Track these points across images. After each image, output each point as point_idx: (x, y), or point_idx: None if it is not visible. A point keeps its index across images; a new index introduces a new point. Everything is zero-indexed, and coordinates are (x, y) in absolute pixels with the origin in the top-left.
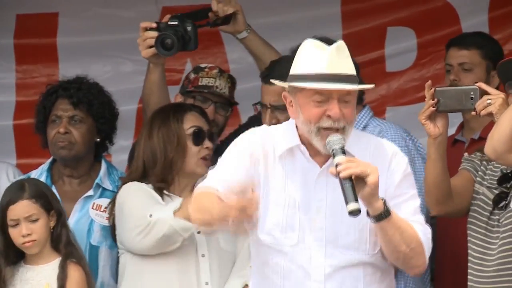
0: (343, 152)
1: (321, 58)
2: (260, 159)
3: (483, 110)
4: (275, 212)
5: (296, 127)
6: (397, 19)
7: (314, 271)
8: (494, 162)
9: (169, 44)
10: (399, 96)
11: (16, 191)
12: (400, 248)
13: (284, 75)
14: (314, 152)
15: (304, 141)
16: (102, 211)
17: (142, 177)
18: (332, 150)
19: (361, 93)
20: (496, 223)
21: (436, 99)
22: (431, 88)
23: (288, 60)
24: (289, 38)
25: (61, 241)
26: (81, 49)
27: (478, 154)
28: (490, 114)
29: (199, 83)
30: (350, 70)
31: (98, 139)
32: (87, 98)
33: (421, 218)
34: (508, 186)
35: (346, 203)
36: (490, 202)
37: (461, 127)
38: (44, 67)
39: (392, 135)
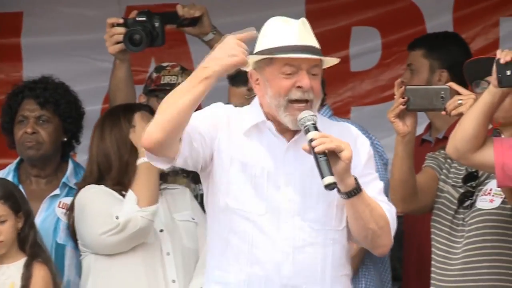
0: (316, 128)
1: (290, 31)
2: (224, 128)
3: (453, 110)
4: (243, 179)
5: (261, 105)
6: (362, 19)
7: (283, 242)
8: None
9: (138, 39)
10: (364, 96)
11: None
12: (369, 225)
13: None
14: (280, 128)
15: (270, 118)
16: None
17: (98, 181)
18: (305, 126)
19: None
20: (461, 222)
21: (406, 98)
22: (401, 87)
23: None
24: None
25: (27, 242)
26: (45, 49)
27: (442, 152)
28: (461, 115)
29: (162, 82)
30: (316, 43)
31: (65, 139)
32: (53, 98)
33: (385, 199)
34: (474, 185)
35: (322, 177)
36: (455, 201)
37: (429, 127)
38: (8, 67)
39: None
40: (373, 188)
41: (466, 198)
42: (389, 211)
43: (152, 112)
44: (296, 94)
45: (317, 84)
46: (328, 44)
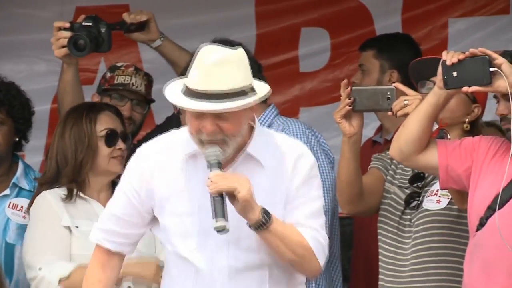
0: (219, 165)
1: (198, 71)
2: (153, 175)
3: (399, 111)
4: (174, 221)
5: None
6: (311, 20)
7: (217, 273)
8: None
9: (82, 45)
10: (313, 97)
11: None
12: (285, 255)
13: None
14: None
15: None
16: (19, 210)
17: (56, 177)
18: (208, 163)
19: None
20: (408, 223)
21: (352, 98)
22: (347, 87)
23: None
24: (203, 39)
25: None
26: None
27: (388, 153)
28: (407, 115)
29: (115, 81)
30: (228, 85)
31: (17, 139)
32: (8, 100)
33: (315, 222)
34: (420, 186)
35: (214, 219)
36: (402, 202)
37: (380, 128)
38: None
39: (293, 132)
40: (302, 212)
41: (413, 199)
42: (313, 237)
43: (117, 113)
44: (203, 136)
45: (229, 125)
46: (277, 44)
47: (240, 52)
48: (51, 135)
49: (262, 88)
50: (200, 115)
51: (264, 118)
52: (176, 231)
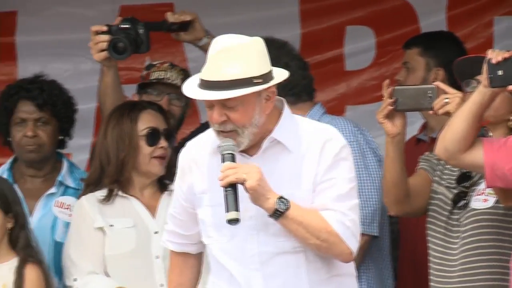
0: (231, 157)
1: (207, 61)
2: (192, 169)
3: (440, 109)
4: (209, 212)
5: None
6: (356, 18)
7: (250, 260)
8: None
9: (122, 47)
10: (358, 95)
11: None
12: (309, 241)
13: None
14: None
15: None
16: (65, 208)
17: (100, 177)
18: (221, 156)
19: (309, 89)
20: (456, 222)
21: (394, 98)
22: (389, 87)
23: None
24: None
25: (18, 243)
26: (40, 48)
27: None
28: (448, 113)
29: (151, 77)
30: (230, 74)
31: (61, 137)
32: (51, 99)
33: (343, 206)
34: (467, 185)
35: (226, 211)
36: (449, 202)
37: (424, 126)
38: (2, 66)
39: (341, 130)
40: (329, 196)
41: (460, 199)
42: (339, 220)
43: (161, 110)
44: (215, 126)
45: (237, 115)
46: (322, 43)
47: (251, 42)
48: (97, 134)
49: (280, 77)
50: (210, 105)
51: (310, 117)
52: (211, 222)
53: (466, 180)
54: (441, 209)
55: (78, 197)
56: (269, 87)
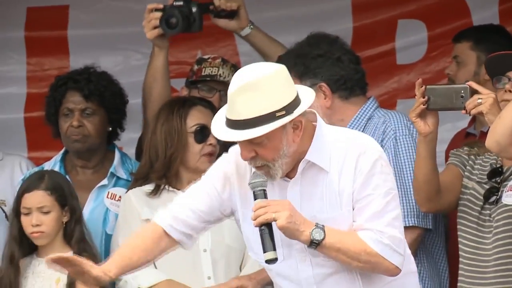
0: (261, 194)
1: (228, 99)
2: (234, 180)
3: (473, 109)
4: (255, 230)
5: None
6: (408, 12)
7: (305, 281)
8: (483, 157)
9: (174, 22)
10: (410, 89)
11: (35, 180)
12: (351, 264)
13: (290, 70)
14: None
15: None
16: (117, 200)
17: (149, 172)
18: (254, 193)
19: (362, 83)
20: (488, 218)
21: (426, 97)
22: (422, 86)
23: (293, 54)
24: (299, 32)
25: (73, 237)
26: (91, 42)
27: (465, 148)
28: (481, 114)
29: (202, 73)
30: (253, 112)
31: (110, 129)
32: (98, 90)
33: (378, 224)
34: (499, 180)
35: (263, 251)
36: (481, 197)
37: (474, 120)
38: (55, 60)
39: (395, 124)
40: (364, 215)
41: (492, 194)
42: (376, 241)
43: (212, 107)
44: (248, 161)
45: (265, 150)
46: (374, 37)
47: (271, 74)
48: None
49: (306, 102)
50: (239, 143)
51: (364, 111)
52: (258, 241)
53: (497, 175)
54: (472, 204)
55: (126, 191)
56: (298, 117)
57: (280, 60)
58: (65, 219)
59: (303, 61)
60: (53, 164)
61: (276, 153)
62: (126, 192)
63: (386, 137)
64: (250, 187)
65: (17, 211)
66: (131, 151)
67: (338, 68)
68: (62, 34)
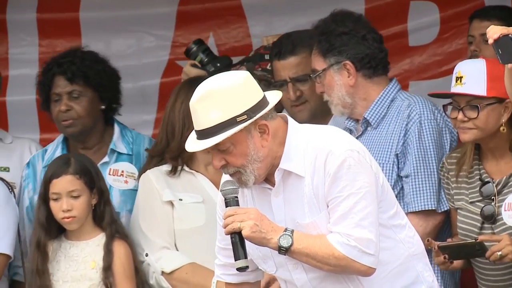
0: (232, 202)
1: (191, 110)
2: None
3: (498, 261)
4: (251, 245)
5: None
6: None
7: (304, 286)
8: (466, 173)
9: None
10: (422, 71)
11: (62, 165)
12: (323, 268)
13: (297, 46)
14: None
15: None
16: (120, 175)
17: (164, 151)
18: (225, 200)
19: (385, 62)
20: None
21: (443, 255)
22: (434, 248)
23: (318, 31)
24: (311, 13)
25: (104, 219)
26: (103, 24)
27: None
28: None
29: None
30: (214, 120)
31: (103, 107)
32: (81, 71)
33: (344, 226)
34: (492, 197)
35: (234, 260)
36: (478, 217)
37: None
38: (67, 42)
39: (420, 109)
40: (332, 218)
41: (489, 212)
42: (342, 244)
43: None
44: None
45: (231, 156)
46: (386, 18)
47: (230, 81)
48: (161, 110)
49: (272, 102)
50: (211, 152)
51: (388, 92)
52: (257, 255)
53: (487, 186)
54: (471, 226)
55: (142, 169)
56: (260, 120)
57: (283, 39)
58: (94, 202)
59: (328, 38)
60: (56, 146)
61: (244, 158)
62: (143, 171)
63: (411, 121)
64: (221, 194)
65: (45, 197)
66: (144, 133)
67: (363, 46)
68: (74, 16)
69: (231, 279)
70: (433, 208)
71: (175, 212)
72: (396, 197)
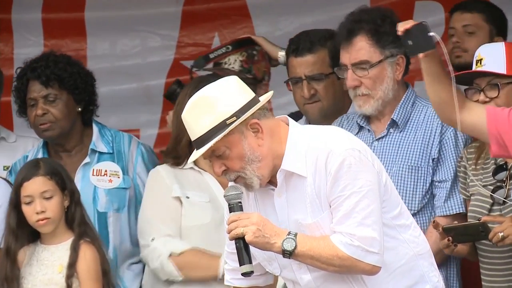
0: (235, 207)
1: (187, 125)
2: (244, 202)
3: (499, 243)
4: (256, 248)
5: None
6: None
7: (307, 286)
8: (483, 160)
9: None
10: None
11: (31, 168)
12: (328, 269)
13: (315, 44)
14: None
15: None
16: (103, 175)
17: (176, 149)
18: (229, 205)
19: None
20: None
21: (448, 238)
22: (437, 229)
23: (317, 32)
24: (317, 12)
25: (75, 220)
26: (109, 24)
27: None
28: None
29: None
30: (206, 126)
31: (80, 109)
32: (55, 74)
33: (346, 225)
34: (504, 178)
35: (239, 265)
36: (488, 199)
37: None
38: (72, 42)
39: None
40: (335, 219)
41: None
42: (345, 244)
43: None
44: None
45: (229, 160)
46: None
47: (215, 88)
48: (166, 109)
49: (259, 103)
50: (210, 160)
51: (409, 95)
52: (262, 257)
53: (502, 170)
54: (480, 208)
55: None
56: (251, 119)
57: (300, 37)
58: (66, 203)
59: (386, 31)
60: (36, 150)
61: (242, 160)
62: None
63: (444, 127)
64: (225, 199)
65: (16, 202)
66: (149, 133)
67: None
68: (80, 16)
69: (240, 283)
70: (464, 212)
71: (183, 209)
72: (428, 200)
